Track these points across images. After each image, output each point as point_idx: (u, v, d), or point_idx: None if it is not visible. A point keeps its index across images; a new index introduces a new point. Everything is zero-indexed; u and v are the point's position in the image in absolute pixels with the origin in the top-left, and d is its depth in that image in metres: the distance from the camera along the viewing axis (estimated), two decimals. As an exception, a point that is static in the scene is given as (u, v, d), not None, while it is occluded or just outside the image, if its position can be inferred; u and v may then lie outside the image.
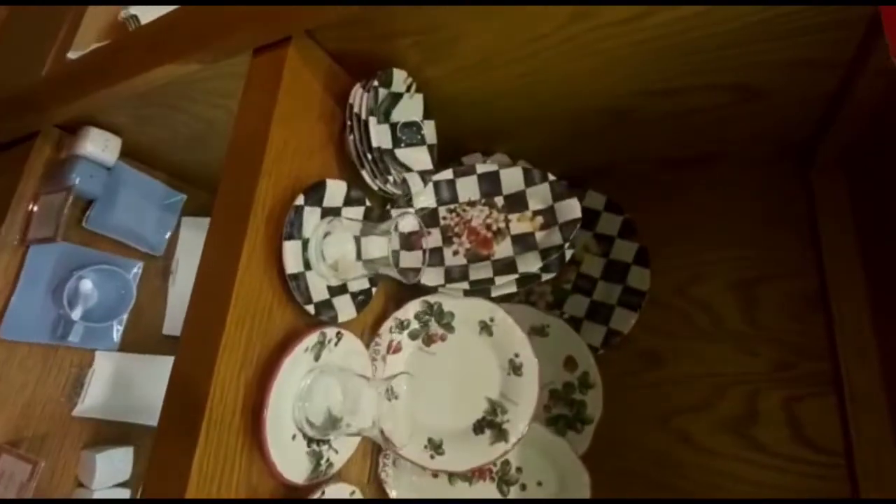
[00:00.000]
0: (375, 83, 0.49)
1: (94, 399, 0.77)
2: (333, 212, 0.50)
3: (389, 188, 0.53)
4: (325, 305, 0.47)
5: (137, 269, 0.84)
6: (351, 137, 0.49)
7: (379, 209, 0.57)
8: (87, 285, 0.76)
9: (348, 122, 0.49)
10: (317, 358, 0.46)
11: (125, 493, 0.77)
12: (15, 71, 0.83)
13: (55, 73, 0.72)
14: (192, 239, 0.93)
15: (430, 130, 0.59)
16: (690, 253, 0.70)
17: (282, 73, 0.47)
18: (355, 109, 0.48)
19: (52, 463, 0.73)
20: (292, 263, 0.43)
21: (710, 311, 0.67)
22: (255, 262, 0.43)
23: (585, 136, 0.67)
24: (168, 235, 0.89)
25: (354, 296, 0.51)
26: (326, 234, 0.48)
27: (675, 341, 0.67)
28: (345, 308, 0.50)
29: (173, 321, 0.90)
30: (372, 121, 0.48)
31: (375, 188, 0.52)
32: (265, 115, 0.46)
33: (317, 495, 0.42)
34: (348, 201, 0.51)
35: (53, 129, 0.75)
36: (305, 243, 0.46)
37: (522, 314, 0.64)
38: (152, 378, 0.79)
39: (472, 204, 0.60)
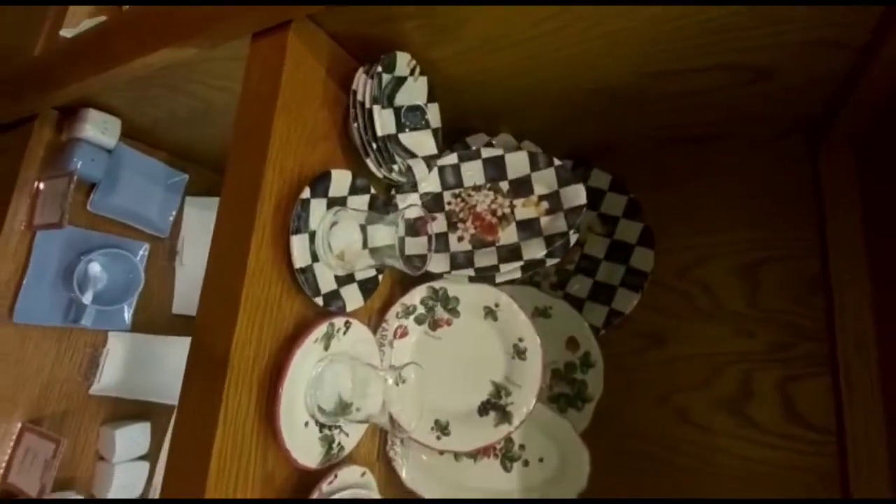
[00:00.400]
0: (379, 69, 0.47)
1: (109, 378, 0.79)
2: (339, 202, 0.50)
3: (395, 176, 0.52)
4: (333, 296, 0.48)
5: (144, 250, 0.85)
6: (355, 125, 0.48)
7: (384, 194, 0.57)
8: (95, 268, 0.77)
9: (352, 110, 0.49)
10: (326, 347, 0.47)
11: (144, 466, 0.80)
12: (7, 48, 0.81)
13: (50, 54, 0.70)
14: (197, 219, 0.93)
15: (434, 114, 0.58)
16: (694, 234, 0.70)
17: (283, 60, 0.46)
18: (359, 97, 0.47)
19: (72, 439, 0.76)
20: (300, 257, 0.44)
21: (711, 292, 0.67)
22: (264, 256, 0.43)
23: (591, 116, 0.66)
24: (172, 216, 0.90)
25: (361, 284, 0.52)
26: (333, 225, 0.48)
27: (676, 322, 0.69)
28: (352, 297, 0.50)
29: (182, 301, 0.92)
30: (376, 109, 0.47)
31: (381, 176, 0.52)
32: (268, 105, 0.45)
33: (329, 478, 0.44)
34: (353, 190, 0.51)
35: (52, 112, 0.74)
36: (312, 235, 0.46)
37: (526, 295, 0.65)
38: (165, 358, 0.81)
39: (477, 189, 0.60)
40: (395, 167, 0.52)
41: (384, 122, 0.53)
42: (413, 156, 0.56)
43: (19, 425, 0.71)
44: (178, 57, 0.54)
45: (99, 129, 0.73)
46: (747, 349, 0.63)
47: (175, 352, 0.80)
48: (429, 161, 0.57)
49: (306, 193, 0.45)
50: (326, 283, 0.48)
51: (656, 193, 0.71)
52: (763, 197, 0.67)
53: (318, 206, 0.47)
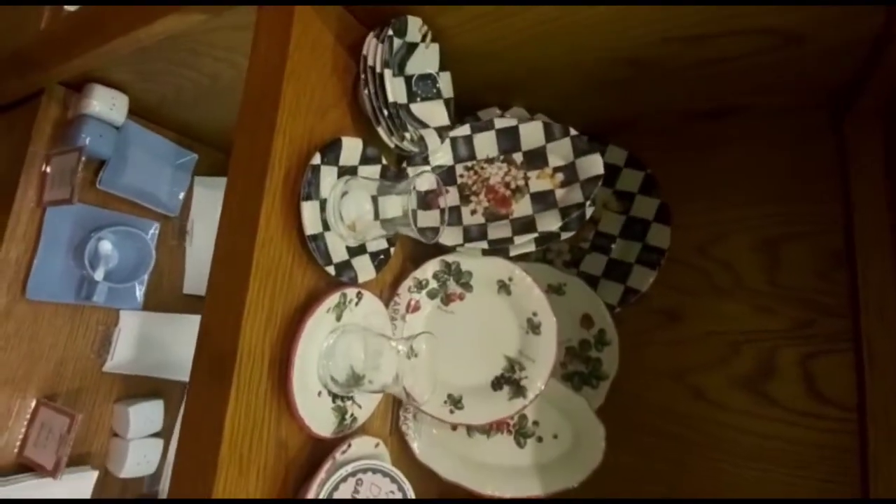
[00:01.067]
0: (390, 32, 0.46)
1: (122, 356, 0.80)
2: (350, 171, 0.49)
3: (406, 146, 0.51)
4: (345, 266, 0.47)
5: (154, 229, 0.84)
6: (366, 91, 0.47)
7: (395, 167, 0.56)
8: (106, 246, 0.77)
9: (362, 76, 0.47)
10: (338, 318, 0.46)
11: (158, 443, 0.81)
12: (11, 25, 0.80)
13: (54, 28, 0.69)
14: (206, 198, 0.92)
15: (446, 83, 0.56)
16: (713, 210, 0.68)
17: (291, 25, 0.45)
18: (370, 62, 0.46)
19: (87, 416, 0.76)
20: (311, 224, 0.43)
21: (731, 269, 0.66)
22: (274, 223, 0.42)
23: (607, 88, 0.64)
24: (182, 195, 0.89)
25: (373, 256, 0.51)
26: (344, 194, 0.47)
27: (693, 299, 0.67)
28: (364, 268, 0.50)
29: (193, 280, 0.92)
30: (387, 74, 0.46)
31: (392, 146, 0.51)
32: (276, 71, 0.44)
33: (343, 447, 0.44)
34: (364, 160, 0.50)
35: (58, 87, 0.74)
36: (323, 204, 0.46)
37: (539, 273, 0.63)
38: (177, 336, 0.81)
39: (490, 161, 0.59)
40: (407, 135, 0.50)
41: (395, 90, 0.51)
42: (425, 126, 0.54)
43: (34, 401, 0.72)
44: (183, 24, 0.53)
45: (107, 104, 0.72)
46: (767, 326, 0.62)
47: (187, 329, 0.80)
48: (441, 132, 0.55)
49: (316, 159, 0.44)
50: (338, 253, 0.47)
51: (673, 168, 0.69)
52: (784, 170, 0.65)
53: (328, 174, 0.46)
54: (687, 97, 0.65)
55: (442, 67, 0.56)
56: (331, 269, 0.45)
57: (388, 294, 0.57)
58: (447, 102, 0.56)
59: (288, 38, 0.45)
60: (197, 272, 0.91)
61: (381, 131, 0.49)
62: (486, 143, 0.58)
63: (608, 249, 0.71)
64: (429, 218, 0.57)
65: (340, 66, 0.51)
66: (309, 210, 0.43)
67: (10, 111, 0.80)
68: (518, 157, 0.58)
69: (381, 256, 0.52)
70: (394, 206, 0.47)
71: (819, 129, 0.63)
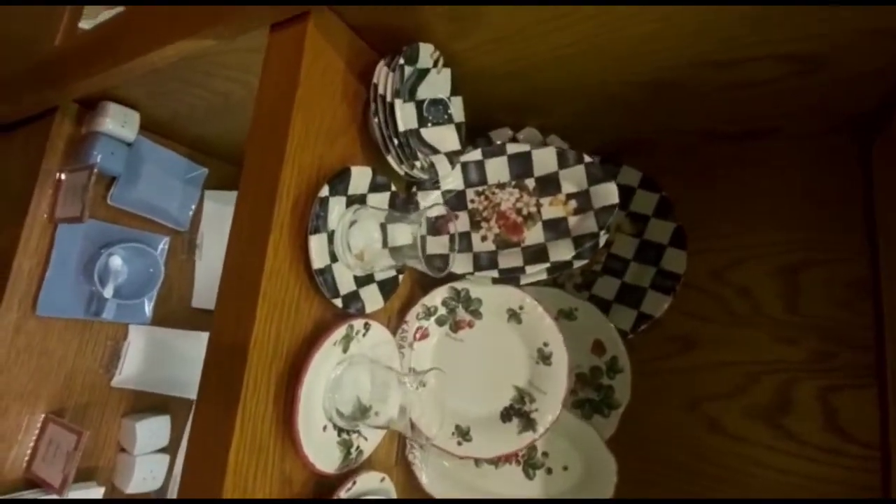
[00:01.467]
0: (401, 61, 0.45)
1: (130, 371, 0.80)
2: (358, 199, 0.48)
3: (416, 173, 0.50)
4: (352, 297, 0.47)
5: (164, 244, 0.85)
6: (375, 120, 0.46)
7: (404, 191, 0.55)
8: (116, 262, 0.77)
9: (373, 104, 0.46)
10: (345, 350, 0.46)
11: (164, 459, 0.81)
12: (26, 40, 0.81)
13: (69, 47, 0.70)
14: (216, 212, 0.92)
15: (457, 108, 0.55)
16: (730, 234, 0.66)
17: (302, 52, 0.44)
18: (380, 91, 0.45)
19: (94, 430, 0.77)
20: (318, 258, 0.42)
21: (749, 296, 0.64)
22: (282, 255, 0.42)
23: (624, 110, 0.63)
24: (192, 210, 0.89)
25: (381, 285, 0.50)
26: (352, 224, 0.47)
27: (709, 327, 0.65)
28: (372, 297, 0.49)
29: (201, 294, 0.92)
30: (398, 104, 0.45)
31: (402, 173, 0.50)
32: (286, 99, 0.44)
33: (348, 485, 0.43)
34: (373, 187, 0.49)
35: (72, 104, 0.74)
36: (331, 235, 0.45)
37: (550, 297, 0.62)
38: (185, 353, 0.81)
39: (501, 186, 0.57)
40: (417, 164, 0.49)
41: (405, 116, 0.51)
42: (435, 151, 0.53)
43: (43, 416, 0.72)
44: (196, 48, 0.53)
45: (118, 122, 0.72)
46: (786, 357, 0.60)
47: (195, 346, 0.80)
48: (451, 157, 0.54)
49: (325, 191, 0.43)
50: (345, 284, 0.46)
51: (689, 190, 0.67)
52: (806, 195, 0.63)
53: (336, 204, 0.45)
54: (707, 119, 0.63)
55: (454, 92, 0.55)
56: (338, 302, 0.44)
57: (396, 321, 0.56)
58: (458, 127, 0.55)
59: (298, 67, 0.44)
60: (206, 286, 0.91)
61: (391, 159, 0.48)
62: (497, 169, 0.57)
63: (621, 273, 0.69)
64: (438, 244, 0.56)
65: (351, 92, 0.50)
66: (316, 243, 0.42)
67: (25, 126, 0.80)
68: (530, 183, 0.57)
69: (389, 285, 0.51)
70: (403, 234, 0.47)
71: (844, 154, 0.61)
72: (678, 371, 0.65)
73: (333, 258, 0.45)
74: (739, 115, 0.61)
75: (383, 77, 0.45)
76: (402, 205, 0.52)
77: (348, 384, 0.45)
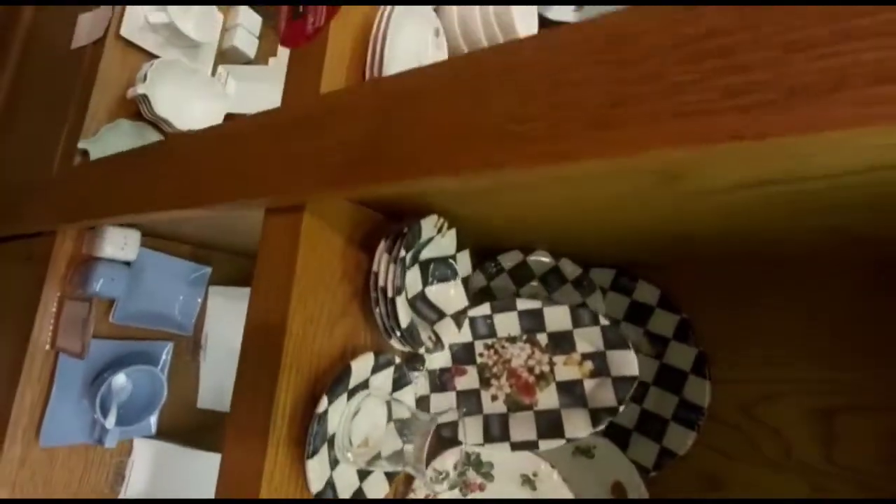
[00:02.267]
0: (402, 253, 0.42)
1: (136, 488, 0.78)
2: (361, 386, 0.45)
3: (422, 351, 0.47)
4: (357, 493, 0.44)
5: (167, 353, 0.83)
6: (377, 311, 0.44)
7: (408, 357, 0.52)
8: (119, 380, 0.75)
9: (373, 293, 0.44)
10: (349, 557, 0.43)
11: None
12: (24, 157, 0.80)
13: (69, 180, 0.68)
14: (220, 309, 0.91)
15: (463, 262, 0.53)
16: (760, 366, 0.62)
17: (298, 243, 0.42)
18: (381, 283, 0.42)
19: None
20: (317, 480, 0.40)
21: (780, 437, 0.59)
22: (279, 478, 0.39)
23: (639, 241, 0.59)
24: (196, 312, 0.88)
25: (388, 472, 0.47)
26: (356, 414, 0.44)
27: (738, 465, 0.61)
28: (377, 486, 0.46)
29: (206, 395, 0.90)
30: (399, 301, 0.42)
31: (406, 350, 0.47)
32: (282, 298, 0.41)
33: None
34: (377, 368, 0.46)
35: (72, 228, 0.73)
36: (331, 440, 0.42)
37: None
38: (191, 472, 0.79)
39: (512, 340, 0.54)
40: (423, 343, 0.46)
41: (411, 282, 0.48)
42: (441, 314, 0.50)
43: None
44: (192, 213, 0.50)
45: (118, 245, 0.71)
46: (822, 510, 0.56)
47: (202, 466, 0.78)
48: (458, 317, 0.51)
49: (323, 404, 0.40)
50: (347, 486, 0.43)
51: (714, 311, 0.63)
52: (845, 330, 0.58)
53: (337, 406, 0.42)
54: (735, 239, 0.59)
55: (459, 248, 0.52)
56: (340, 512, 0.42)
57: (403, 489, 0.53)
58: (464, 281, 0.52)
59: (294, 259, 0.42)
60: (211, 386, 0.90)
61: (394, 342, 0.45)
62: (507, 323, 0.54)
63: (641, 398, 0.65)
64: (444, 400, 0.53)
65: (351, 268, 0.47)
66: (315, 467, 0.39)
67: (26, 240, 0.79)
68: (542, 339, 0.53)
69: (394, 472, 0.48)
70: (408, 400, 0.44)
71: (891, 286, 0.56)
72: (705, 515, 0.61)
73: (334, 464, 0.42)
74: (773, 235, 0.56)
75: (384, 268, 0.42)
76: (407, 375, 0.49)
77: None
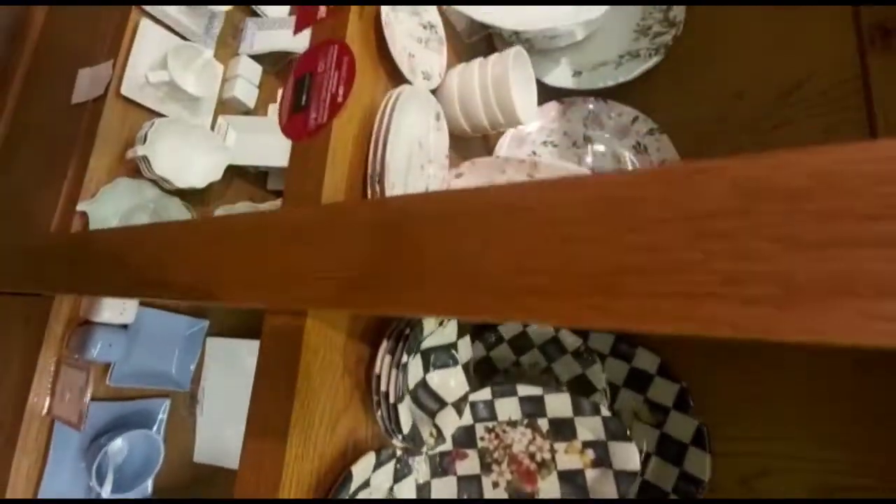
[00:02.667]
0: (405, 359, 0.42)
1: (131, 551, 0.77)
2: (362, 486, 0.45)
3: (424, 448, 0.47)
4: None
5: (164, 411, 0.82)
6: (378, 413, 0.43)
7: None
8: (116, 446, 0.74)
9: (374, 397, 0.43)
10: None
11: None
12: (21, 210, 0.80)
13: (67, 244, 0.67)
14: (217, 362, 0.90)
15: (464, 348, 0.52)
16: (759, 438, 0.62)
17: (300, 350, 0.42)
18: (382, 388, 0.42)
19: None
20: None
21: (779, 513, 0.59)
22: None
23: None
24: (193, 367, 0.87)
25: (387, 568, 0.47)
26: (355, 514, 0.44)
27: (738, 541, 0.61)
28: (377, 585, 0.46)
29: (203, 449, 0.89)
30: (402, 407, 0.42)
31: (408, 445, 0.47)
32: (283, 406, 0.41)
33: None
34: (378, 465, 0.46)
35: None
36: (333, 549, 0.42)
37: None
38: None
39: (512, 424, 0.54)
40: (426, 440, 0.46)
41: (412, 370, 0.48)
42: (441, 403, 0.50)
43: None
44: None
45: (116, 311, 0.71)
46: None
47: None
48: (459, 406, 0.51)
49: (325, 517, 0.40)
50: (349, 592, 0.43)
51: (714, 379, 0.63)
52: (847, 408, 0.57)
53: (338, 513, 0.42)
54: None
55: (460, 334, 0.52)
56: None
57: (404, 578, 0.52)
58: (465, 367, 0.52)
59: (297, 366, 0.41)
60: (207, 440, 0.89)
61: (396, 442, 0.45)
62: (508, 407, 0.54)
63: (643, 468, 0.65)
64: (445, 487, 0.53)
65: (352, 362, 0.47)
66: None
67: (24, 298, 0.79)
68: (543, 424, 0.53)
69: (396, 569, 0.48)
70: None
71: (893, 361, 0.56)
72: (707, 592, 0.61)
73: (335, 573, 0.42)
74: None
75: (385, 374, 0.42)
76: (408, 464, 0.49)
77: None
